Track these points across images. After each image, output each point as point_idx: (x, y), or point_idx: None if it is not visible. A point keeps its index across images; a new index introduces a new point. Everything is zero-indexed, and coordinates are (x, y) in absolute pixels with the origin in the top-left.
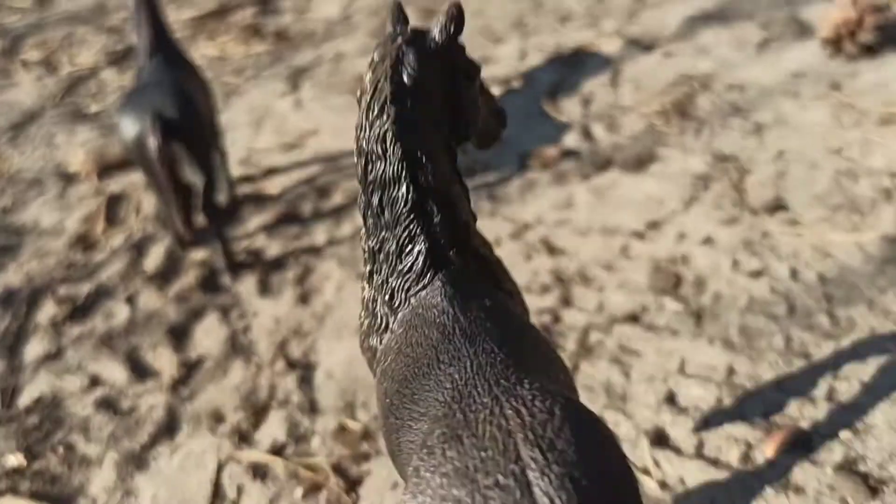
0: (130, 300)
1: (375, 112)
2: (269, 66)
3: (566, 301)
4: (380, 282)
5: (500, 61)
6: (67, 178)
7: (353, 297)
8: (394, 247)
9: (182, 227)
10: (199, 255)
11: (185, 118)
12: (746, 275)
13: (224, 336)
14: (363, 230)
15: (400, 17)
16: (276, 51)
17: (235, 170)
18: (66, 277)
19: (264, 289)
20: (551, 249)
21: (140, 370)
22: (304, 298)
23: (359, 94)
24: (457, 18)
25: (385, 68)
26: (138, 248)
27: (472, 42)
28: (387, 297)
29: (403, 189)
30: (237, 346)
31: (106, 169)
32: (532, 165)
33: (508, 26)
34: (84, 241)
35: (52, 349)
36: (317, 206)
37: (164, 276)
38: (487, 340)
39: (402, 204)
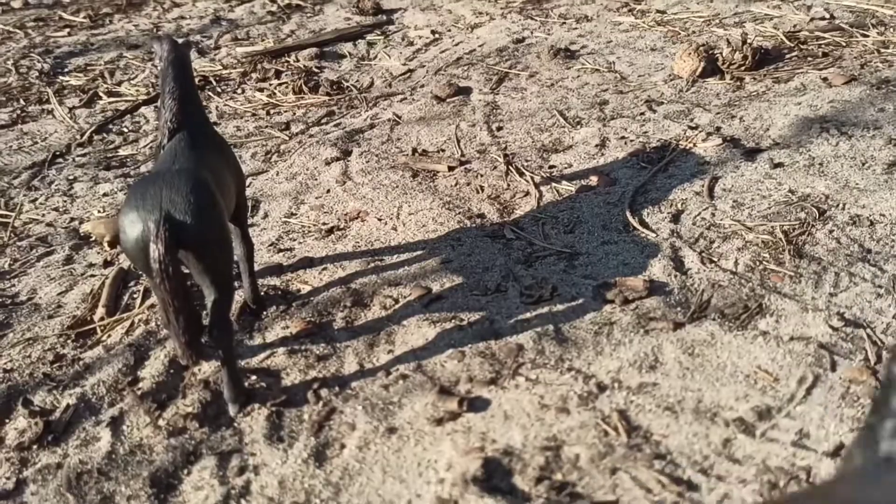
0: (114, 423)
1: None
2: (319, 122)
3: None
4: None
5: (577, 147)
6: (79, 240)
7: (378, 464)
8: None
9: (183, 350)
10: (205, 368)
11: (200, 222)
12: None
13: (215, 501)
14: None
15: None
16: (328, 103)
17: (262, 256)
18: (49, 378)
19: (274, 430)
20: (632, 430)
21: None
22: (319, 455)
23: None
24: None
25: None
26: (137, 350)
27: (544, 120)
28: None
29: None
30: None
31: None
32: (612, 299)
33: (587, 104)
34: (79, 328)
35: (10, 485)
36: (350, 318)
37: (159, 394)
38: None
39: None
